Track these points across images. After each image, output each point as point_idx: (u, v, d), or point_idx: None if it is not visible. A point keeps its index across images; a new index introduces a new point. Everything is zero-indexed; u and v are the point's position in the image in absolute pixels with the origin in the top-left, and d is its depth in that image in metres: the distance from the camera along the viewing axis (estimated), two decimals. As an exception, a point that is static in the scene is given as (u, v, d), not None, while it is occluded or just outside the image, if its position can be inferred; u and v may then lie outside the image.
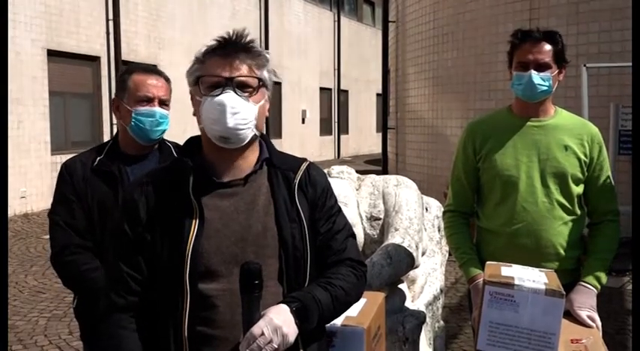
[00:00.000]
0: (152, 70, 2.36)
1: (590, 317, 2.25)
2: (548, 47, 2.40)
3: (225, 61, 1.55)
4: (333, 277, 1.62)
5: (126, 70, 2.36)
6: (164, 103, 2.30)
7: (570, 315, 2.24)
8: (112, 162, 2.28)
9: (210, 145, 1.61)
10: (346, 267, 1.67)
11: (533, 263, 2.25)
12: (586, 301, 2.30)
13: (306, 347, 1.58)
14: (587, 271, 2.40)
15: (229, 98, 1.53)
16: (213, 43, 1.58)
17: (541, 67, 2.39)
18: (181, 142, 1.73)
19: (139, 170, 2.27)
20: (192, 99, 1.64)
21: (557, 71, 2.42)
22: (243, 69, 1.56)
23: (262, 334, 1.42)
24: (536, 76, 2.38)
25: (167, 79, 2.38)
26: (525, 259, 2.29)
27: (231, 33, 1.58)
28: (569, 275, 2.39)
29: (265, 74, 1.61)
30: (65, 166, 2.31)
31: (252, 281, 1.44)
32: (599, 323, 2.26)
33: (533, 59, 2.39)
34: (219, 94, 1.54)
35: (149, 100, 2.27)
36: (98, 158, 2.29)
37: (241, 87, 1.56)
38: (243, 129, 1.55)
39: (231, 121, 1.53)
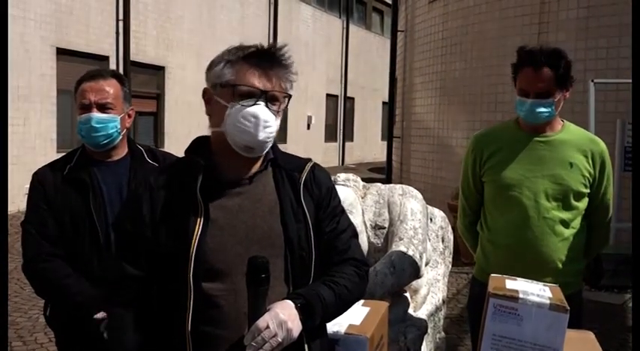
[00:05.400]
0: (97, 74, 2.30)
1: None
2: (549, 74, 2.38)
3: (262, 73, 1.55)
4: (338, 275, 1.63)
5: (77, 80, 2.31)
6: (105, 107, 2.24)
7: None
8: (83, 169, 2.27)
9: (222, 147, 1.60)
10: (350, 266, 1.67)
11: (532, 277, 2.26)
12: None
13: (310, 343, 1.59)
14: None
15: (263, 112, 1.53)
16: (251, 48, 1.57)
17: (542, 95, 2.39)
18: (186, 143, 1.71)
19: (109, 175, 2.27)
20: (207, 97, 1.62)
21: (560, 95, 2.42)
22: (277, 84, 1.57)
23: (267, 327, 1.43)
24: (536, 105, 2.39)
25: (119, 79, 2.32)
26: (525, 273, 2.30)
27: (266, 45, 1.58)
28: (569, 287, 2.38)
29: (289, 87, 1.62)
30: (36, 175, 2.30)
31: (259, 275, 1.44)
32: None
33: (533, 89, 2.39)
34: (251, 105, 1.53)
35: (86, 107, 2.24)
36: (68, 166, 2.28)
37: (272, 100, 1.57)
38: (269, 141, 1.58)
39: (262, 134, 1.54)
